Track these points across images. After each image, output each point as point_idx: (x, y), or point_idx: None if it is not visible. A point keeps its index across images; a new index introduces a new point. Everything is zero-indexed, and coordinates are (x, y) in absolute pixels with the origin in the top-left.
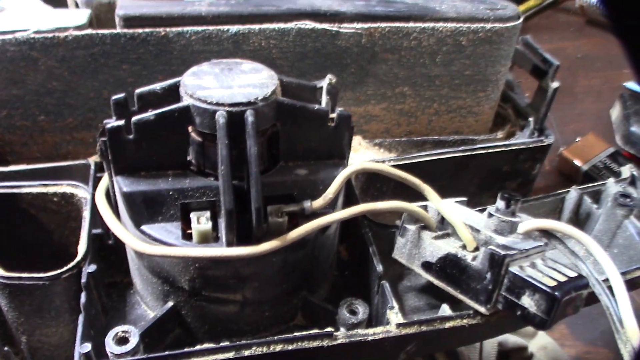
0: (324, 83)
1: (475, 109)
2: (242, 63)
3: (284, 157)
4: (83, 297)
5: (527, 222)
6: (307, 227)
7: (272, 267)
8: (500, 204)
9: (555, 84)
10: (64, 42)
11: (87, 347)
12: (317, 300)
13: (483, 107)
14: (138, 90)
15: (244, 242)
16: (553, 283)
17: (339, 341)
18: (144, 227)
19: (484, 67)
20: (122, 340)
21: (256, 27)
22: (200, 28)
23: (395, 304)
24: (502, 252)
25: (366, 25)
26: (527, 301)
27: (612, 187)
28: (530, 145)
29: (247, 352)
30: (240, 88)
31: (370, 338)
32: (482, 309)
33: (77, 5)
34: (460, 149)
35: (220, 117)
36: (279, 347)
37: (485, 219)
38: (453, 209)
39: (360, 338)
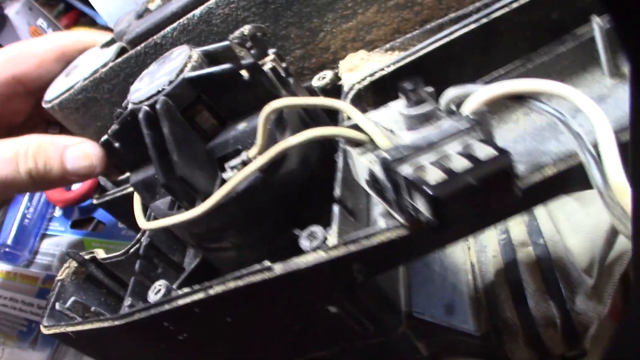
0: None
1: None
2: (174, 51)
3: (227, 117)
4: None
5: (471, 100)
6: (228, 187)
7: (231, 217)
8: (400, 103)
9: None
10: (99, 80)
11: None
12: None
13: None
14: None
15: None
16: (439, 179)
17: (276, 272)
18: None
19: None
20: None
21: (212, 1)
22: (175, 24)
23: (335, 226)
24: (385, 156)
25: None
26: (421, 205)
27: None
28: None
29: (211, 292)
30: (158, 80)
31: (303, 266)
32: (400, 219)
33: None
34: (474, 17)
35: (140, 113)
36: (232, 285)
37: (397, 116)
38: (378, 114)
39: (294, 267)
